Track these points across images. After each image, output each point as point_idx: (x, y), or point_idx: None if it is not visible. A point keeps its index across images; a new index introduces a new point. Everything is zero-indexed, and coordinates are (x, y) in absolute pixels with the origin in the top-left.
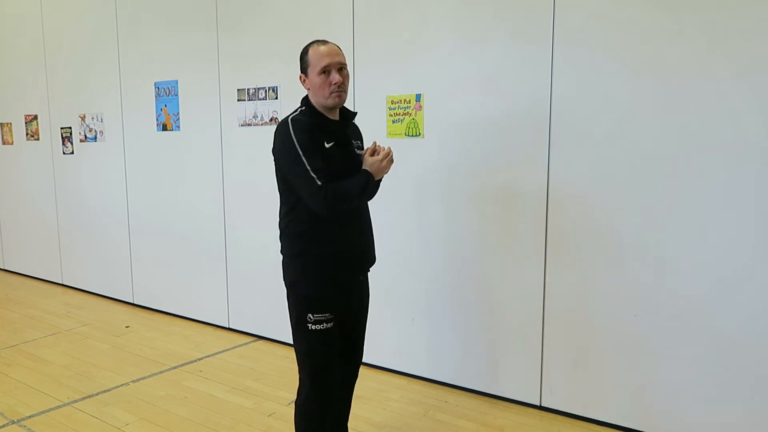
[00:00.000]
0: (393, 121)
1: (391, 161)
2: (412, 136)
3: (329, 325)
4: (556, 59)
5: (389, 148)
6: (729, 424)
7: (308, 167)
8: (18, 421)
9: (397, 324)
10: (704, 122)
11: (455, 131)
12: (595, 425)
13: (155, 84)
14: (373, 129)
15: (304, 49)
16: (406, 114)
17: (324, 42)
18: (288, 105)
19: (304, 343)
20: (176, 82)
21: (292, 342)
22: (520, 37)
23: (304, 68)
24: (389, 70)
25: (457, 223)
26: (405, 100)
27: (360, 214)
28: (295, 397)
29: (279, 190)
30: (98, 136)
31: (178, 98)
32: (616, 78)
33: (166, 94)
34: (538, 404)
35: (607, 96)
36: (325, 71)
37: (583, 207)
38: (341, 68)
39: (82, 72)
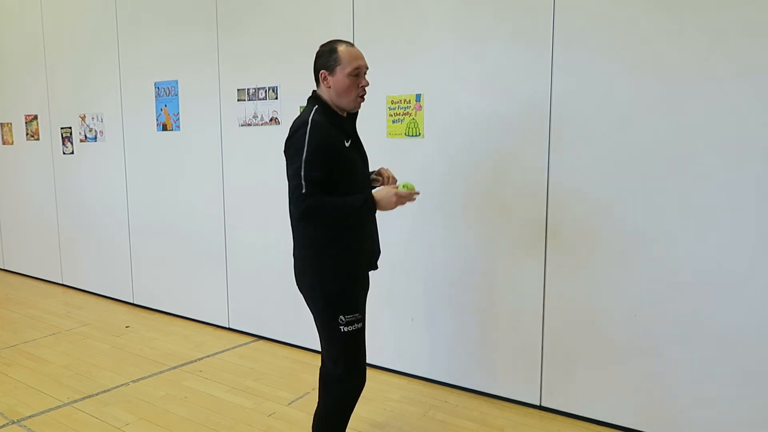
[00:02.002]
0: (393, 121)
1: (405, 201)
2: (412, 136)
3: (359, 324)
4: (556, 59)
5: (418, 192)
6: (729, 423)
7: (302, 172)
8: (18, 421)
9: (397, 324)
10: (704, 122)
11: (455, 131)
12: (595, 425)
13: (155, 84)
14: (373, 129)
15: (329, 47)
16: (406, 114)
17: (352, 43)
18: (288, 105)
19: (337, 345)
20: (176, 82)
21: (319, 343)
22: (520, 37)
23: (330, 66)
24: (389, 70)
25: (456, 222)
26: (405, 100)
27: None
28: (317, 400)
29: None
30: (98, 136)
31: (178, 98)
32: (616, 78)
33: (166, 94)
34: (538, 404)
35: (607, 96)
36: (357, 74)
37: (583, 207)
38: (366, 72)
39: (82, 72)
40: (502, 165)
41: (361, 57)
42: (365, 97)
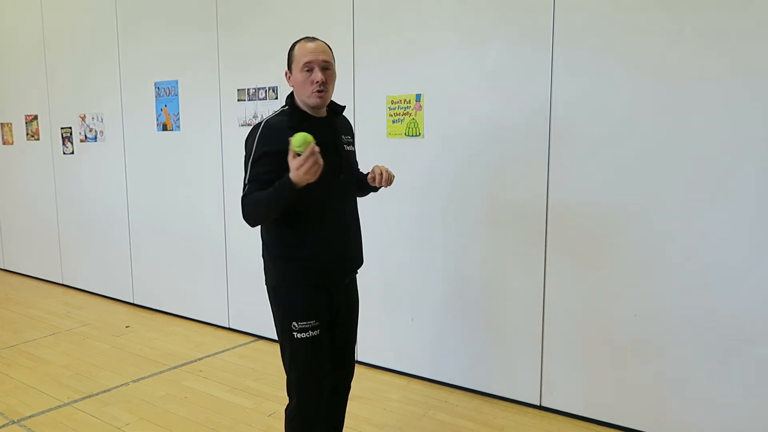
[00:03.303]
0: (393, 121)
1: (317, 164)
2: (412, 136)
3: (315, 332)
4: (556, 59)
5: (313, 147)
6: (729, 423)
7: (248, 173)
8: (18, 421)
9: (397, 324)
10: (704, 123)
11: (455, 131)
12: (595, 425)
13: (155, 84)
14: (373, 129)
15: (291, 45)
16: (406, 114)
17: (313, 39)
18: None
19: (289, 351)
20: (176, 82)
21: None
22: (520, 38)
23: (289, 64)
24: (389, 70)
25: (456, 222)
26: (405, 100)
27: (341, 214)
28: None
29: None
30: (98, 136)
31: (178, 98)
32: (615, 78)
33: (166, 94)
34: (538, 404)
35: (607, 96)
36: (308, 69)
37: (583, 206)
38: (326, 67)
39: (82, 72)
40: (503, 164)
41: (314, 51)
42: (330, 92)
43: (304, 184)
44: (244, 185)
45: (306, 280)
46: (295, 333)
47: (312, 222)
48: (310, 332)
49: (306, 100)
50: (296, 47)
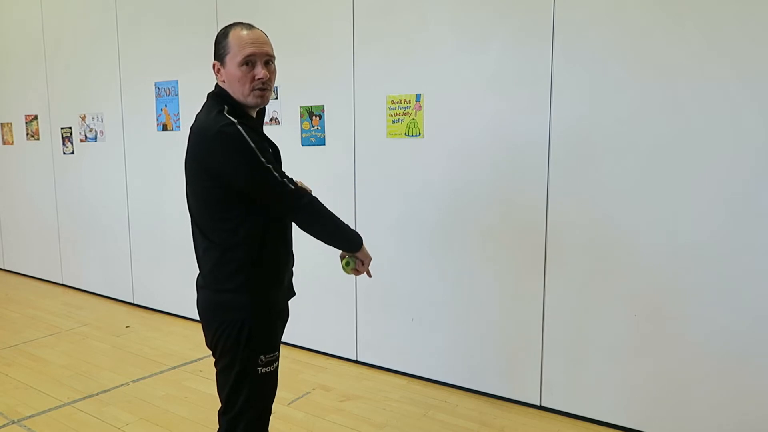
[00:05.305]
0: (393, 121)
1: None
2: (412, 136)
3: (277, 363)
4: (557, 59)
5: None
6: (729, 423)
7: (276, 175)
8: (18, 421)
9: (397, 324)
10: (704, 125)
11: (455, 131)
12: (595, 425)
13: (155, 84)
14: (373, 129)
15: (222, 32)
16: (406, 114)
17: (249, 26)
18: (288, 105)
19: (249, 390)
20: (176, 82)
21: (220, 385)
22: (520, 37)
23: (220, 55)
24: (389, 70)
25: (456, 221)
26: (405, 100)
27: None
28: None
29: (209, 212)
30: (98, 136)
31: (178, 98)
32: (616, 78)
33: (166, 94)
34: (538, 404)
35: (607, 97)
36: (248, 62)
37: (583, 207)
38: (268, 61)
39: (82, 72)
40: (503, 164)
41: (255, 42)
42: (272, 91)
43: (364, 257)
44: (275, 182)
45: (278, 306)
46: (260, 369)
47: (281, 236)
48: (274, 364)
49: (243, 99)
50: (230, 35)
